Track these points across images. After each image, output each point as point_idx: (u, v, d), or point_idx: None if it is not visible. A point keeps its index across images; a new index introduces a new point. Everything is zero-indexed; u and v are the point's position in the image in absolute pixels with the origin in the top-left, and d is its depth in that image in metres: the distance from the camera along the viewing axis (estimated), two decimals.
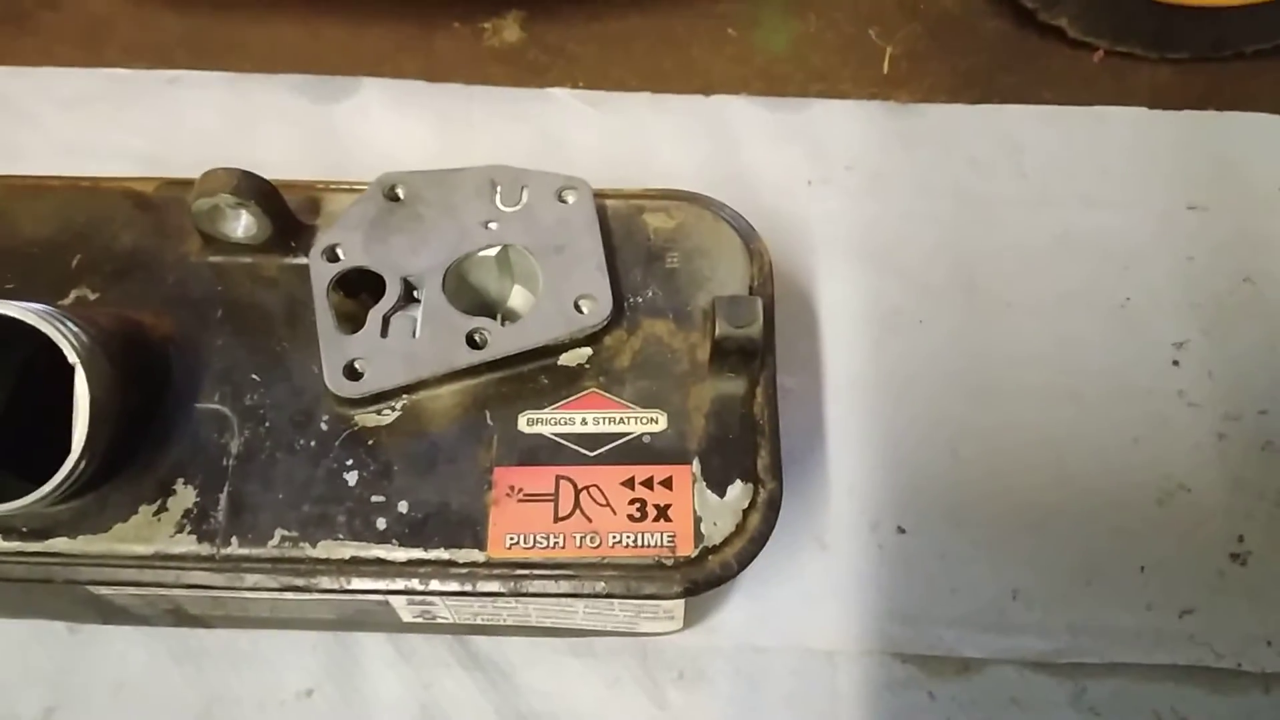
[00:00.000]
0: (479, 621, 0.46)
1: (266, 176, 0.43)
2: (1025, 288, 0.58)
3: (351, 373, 0.40)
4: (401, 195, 0.45)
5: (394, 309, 0.41)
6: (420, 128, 0.65)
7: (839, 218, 0.61)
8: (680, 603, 0.42)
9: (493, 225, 0.44)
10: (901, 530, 0.52)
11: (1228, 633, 0.49)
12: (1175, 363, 0.56)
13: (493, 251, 0.43)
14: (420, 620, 0.45)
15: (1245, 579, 0.50)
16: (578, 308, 0.42)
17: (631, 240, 0.46)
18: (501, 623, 0.46)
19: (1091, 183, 0.62)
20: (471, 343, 0.41)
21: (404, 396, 0.41)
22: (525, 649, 0.49)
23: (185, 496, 0.39)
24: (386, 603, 0.43)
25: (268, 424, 0.41)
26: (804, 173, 0.62)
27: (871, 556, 0.51)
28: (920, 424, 0.54)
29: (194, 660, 0.50)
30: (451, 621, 0.46)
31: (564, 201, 0.45)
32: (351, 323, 0.42)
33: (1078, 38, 0.66)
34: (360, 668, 0.49)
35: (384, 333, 0.41)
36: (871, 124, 0.64)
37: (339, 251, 0.43)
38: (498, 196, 0.45)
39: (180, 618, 0.48)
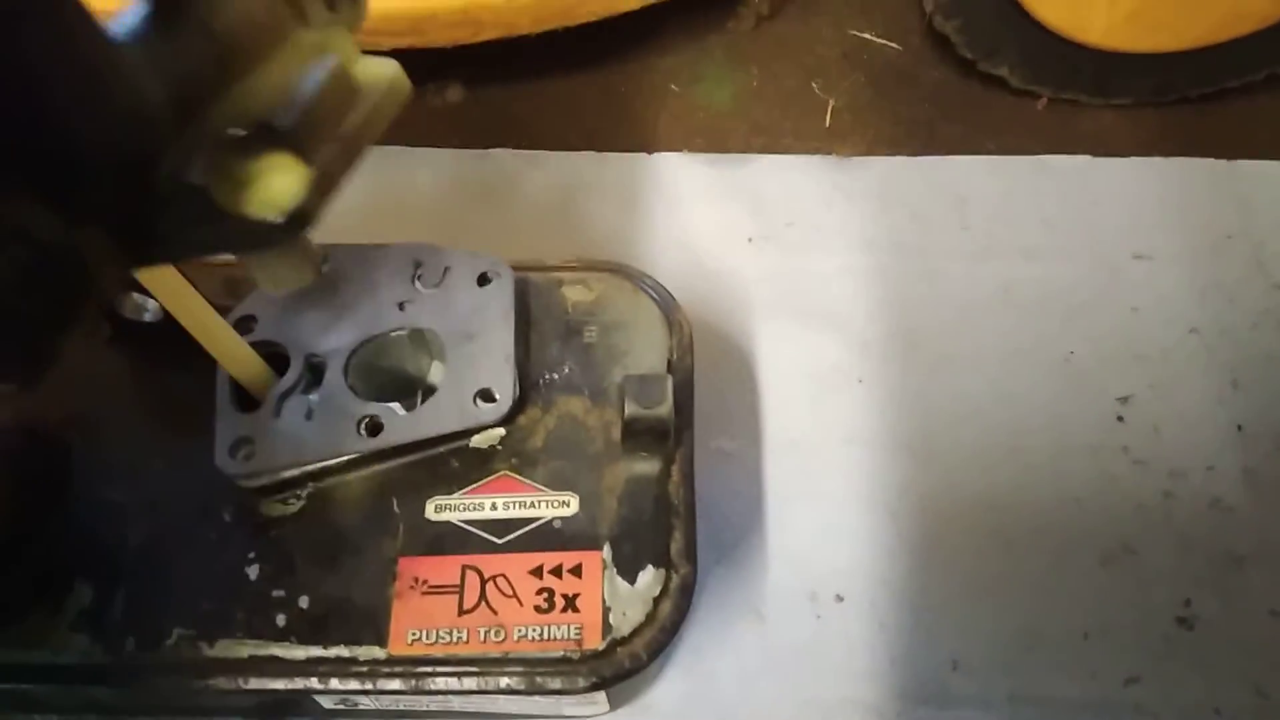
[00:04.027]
0: (401, 707, 0.44)
1: None
2: (966, 343, 0.57)
3: (239, 452, 0.39)
4: (323, 268, 0.44)
5: (292, 388, 0.40)
6: (362, 190, 0.65)
7: (778, 275, 0.60)
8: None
9: (408, 307, 0.43)
10: (840, 599, 0.50)
11: (1175, 702, 0.48)
12: (1120, 418, 0.55)
13: (402, 333, 0.43)
14: (343, 708, 0.44)
15: (1193, 644, 0.49)
16: (481, 399, 0.41)
17: (550, 315, 0.45)
18: (424, 709, 0.44)
19: (1034, 233, 0.61)
20: (366, 430, 0.40)
21: (310, 484, 0.40)
22: None
23: (82, 595, 0.39)
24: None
25: (170, 516, 0.40)
26: (745, 230, 0.62)
27: (809, 627, 0.50)
28: (858, 486, 0.53)
29: None
30: (375, 709, 0.45)
31: (485, 285, 0.44)
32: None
33: (1020, 86, 0.65)
34: None
35: (277, 413, 0.40)
36: (812, 179, 0.63)
37: (253, 325, 0.42)
38: (419, 277, 0.44)
39: (100, 709, 0.47)
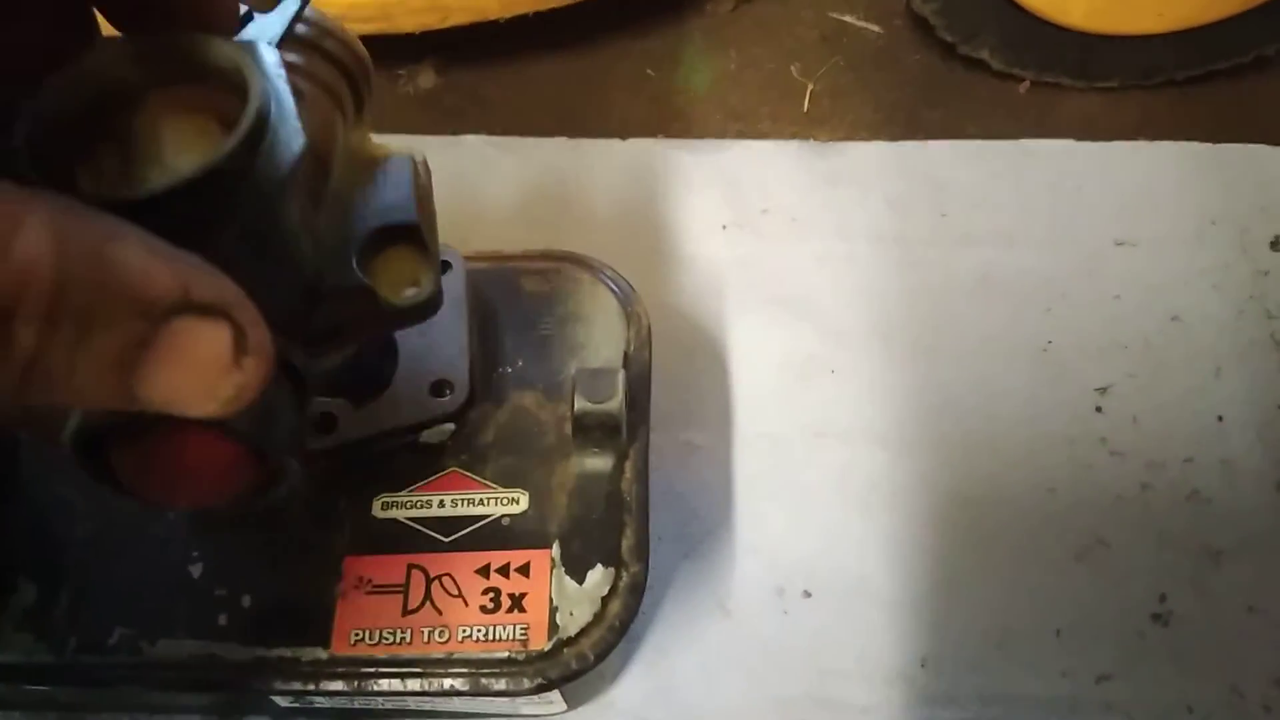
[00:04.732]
0: (356, 706, 0.44)
1: None
2: (943, 332, 0.56)
3: None
4: None
5: None
6: None
7: (753, 263, 0.59)
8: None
9: None
10: (808, 594, 0.50)
11: (1148, 700, 0.47)
12: (1098, 409, 0.54)
13: None
14: (298, 706, 0.44)
15: (1167, 641, 0.48)
16: (434, 392, 0.40)
17: (505, 306, 0.44)
18: (380, 708, 0.44)
19: (1014, 220, 0.60)
20: (319, 426, 0.39)
21: None
22: None
23: (26, 594, 0.38)
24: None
25: (117, 513, 0.39)
26: (719, 217, 0.61)
27: (776, 623, 0.49)
28: (829, 480, 0.52)
29: None
30: (330, 707, 0.44)
31: None
32: None
33: (1002, 70, 0.64)
34: None
35: None
36: (789, 165, 0.62)
37: None
38: None
39: (58, 706, 0.47)
